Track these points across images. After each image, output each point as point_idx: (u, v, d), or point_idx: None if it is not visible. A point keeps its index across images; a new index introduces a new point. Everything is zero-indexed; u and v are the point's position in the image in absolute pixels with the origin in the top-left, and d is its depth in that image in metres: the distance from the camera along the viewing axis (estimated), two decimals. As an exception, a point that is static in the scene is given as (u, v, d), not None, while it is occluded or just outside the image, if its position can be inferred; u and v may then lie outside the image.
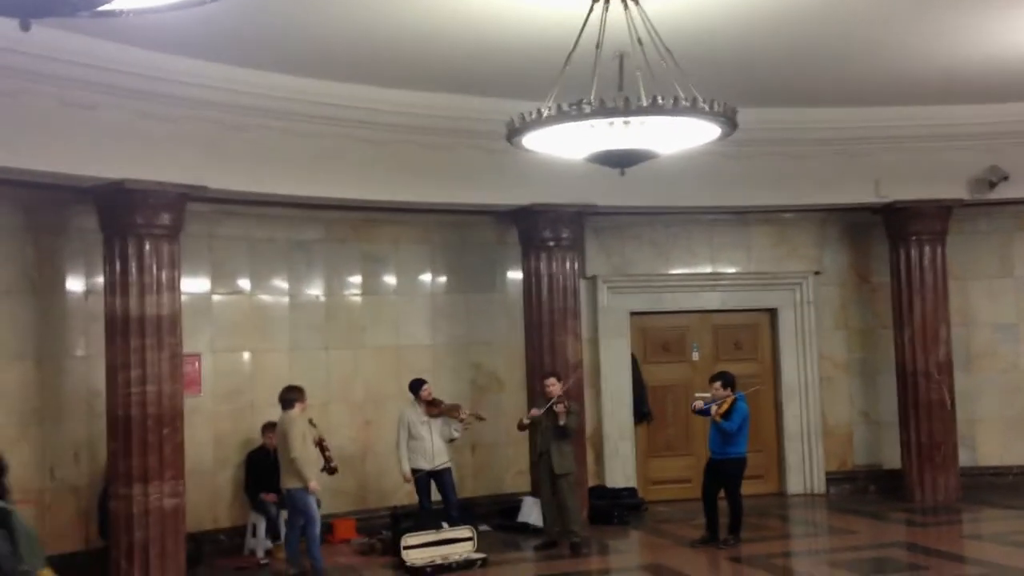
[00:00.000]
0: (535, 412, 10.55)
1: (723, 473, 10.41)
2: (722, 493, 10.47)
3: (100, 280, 9.58)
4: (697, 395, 12.73)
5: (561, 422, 10.30)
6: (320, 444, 10.01)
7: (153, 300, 9.13)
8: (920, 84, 10.60)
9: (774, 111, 11.01)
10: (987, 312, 13.40)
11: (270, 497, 10.37)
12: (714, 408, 10.23)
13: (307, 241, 11.70)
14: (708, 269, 13.19)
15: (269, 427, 10.52)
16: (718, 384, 10.44)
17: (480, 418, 11.21)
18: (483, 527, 11.27)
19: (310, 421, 9.99)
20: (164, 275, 9.22)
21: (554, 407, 10.31)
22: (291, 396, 9.77)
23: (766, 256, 13.25)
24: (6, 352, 9.50)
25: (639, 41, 6.69)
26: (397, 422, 10.93)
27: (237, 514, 10.95)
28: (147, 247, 9.14)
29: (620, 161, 7.11)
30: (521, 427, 10.84)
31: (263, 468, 10.49)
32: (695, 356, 13.30)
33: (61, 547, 9.66)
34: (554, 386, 10.50)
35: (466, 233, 12.46)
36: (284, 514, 10.24)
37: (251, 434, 11.04)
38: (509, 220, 11.98)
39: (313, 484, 9.61)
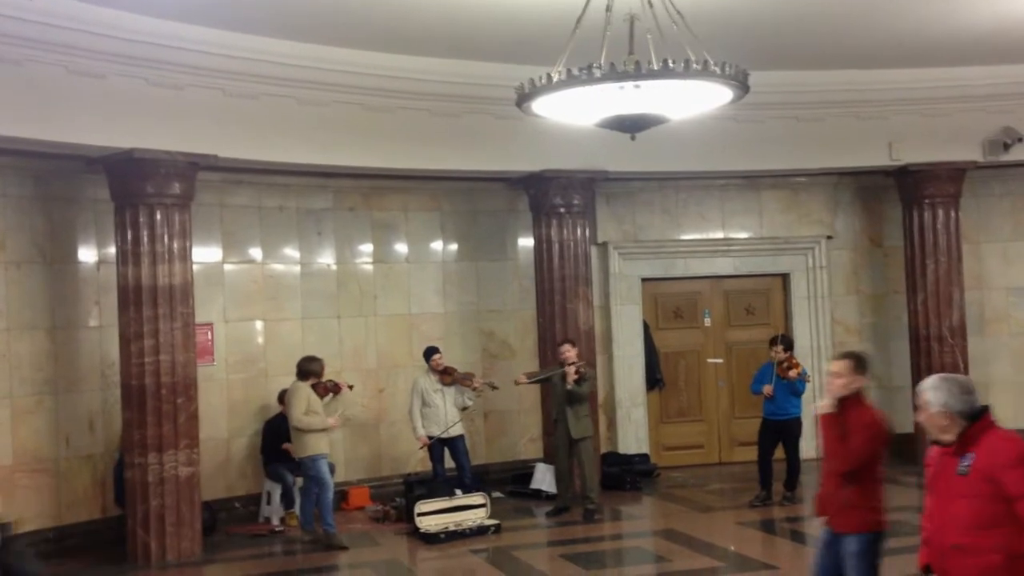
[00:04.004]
0: (522, 379, 10.73)
1: (786, 433, 10.81)
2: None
3: (112, 250, 9.61)
4: (710, 360, 12.81)
5: (568, 386, 10.33)
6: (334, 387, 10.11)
7: (165, 270, 9.16)
8: (933, 45, 10.50)
9: (786, 74, 10.92)
10: (1001, 275, 13.34)
11: (293, 449, 10.36)
12: (793, 372, 10.57)
13: (317, 209, 11.69)
14: (720, 234, 13.15)
15: (286, 393, 10.60)
16: (779, 347, 10.75)
17: (493, 387, 11.25)
18: (496, 494, 11.32)
19: (324, 385, 9.98)
20: (176, 244, 9.24)
21: (565, 370, 10.35)
22: (306, 368, 9.82)
23: (778, 221, 13.20)
24: (19, 323, 9.54)
25: (650, 4, 6.63)
26: (411, 389, 10.98)
27: (252, 482, 11.02)
28: (158, 216, 9.15)
29: (631, 126, 7.06)
30: (517, 383, 10.89)
31: (279, 434, 10.56)
32: (707, 322, 13.29)
33: (77, 516, 9.80)
34: (569, 351, 10.52)
35: (476, 200, 12.44)
36: (299, 482, 10.31)
37: (265, 402, 11.10)
38: (519, 187, 11.95)
39: (331, 420, 9.74)
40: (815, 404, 11.77)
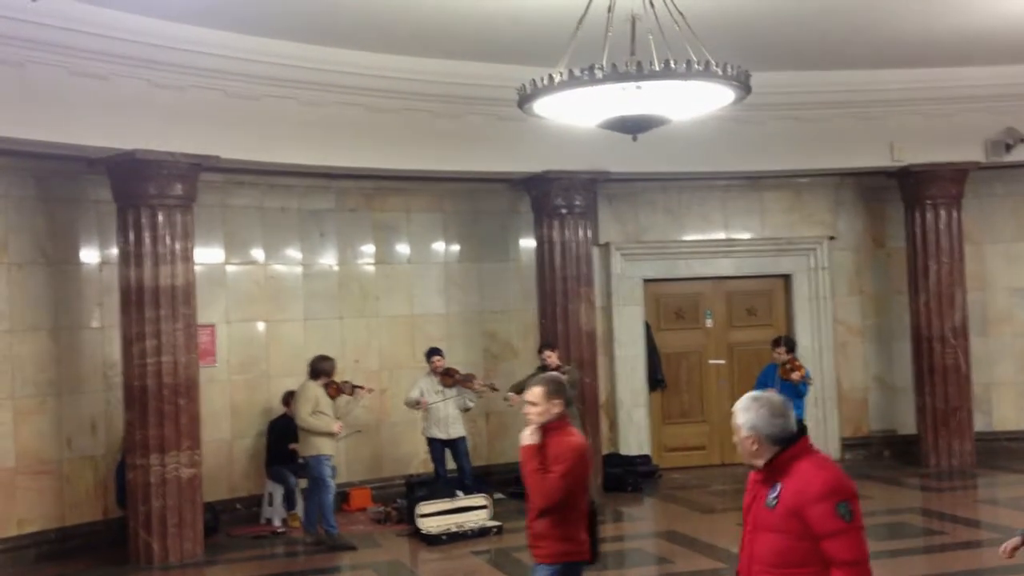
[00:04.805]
0: (514, 399, 10.21)
1: None
2: None
3: (114, 251, 9.62)
4: (712, 361, 12.81)
5: None
6: (350, 389, 10.09)
7: (167, 271, 9.16)
8: (935, 46, 10.49)
9: (788, 74, 10.90)
10: (1003, 276, 13.33)
11: (297, 447, 10.40)
12: (796, 375, 10.52)
13: (319, 210, 11.69)
14: (721, 235, 13.14)
15: (292, 395, 10.61)
16: (782, 349, 10.72)
17: (494, 388, 11.24)
18: (498, 495, 11.30)
19: (336, 385, 9.93)
20: (178, 246, 9.24)
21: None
22: (317, 367, 9.82)
23: (780, 222, 13.19)
24: (21, 324, 9.54)
25: (651, 4, 6.62)
26: (413, 383, 10.97)
27: (254, 483, 11.02)
28: (160, 218, 9.16)
29: (632, 127, 7.05)
30: (517, 390, 10.78)
31: (284, 436, 10.59)
32: (709, 323, 13.28)
33: (80, 517, 9.80)
34: (551, 357, 10.53)
35: (478, 201, 12.44)
36: (301, 483, 10.32)
37: (267, 404, 11.10)
38: (521, 188, 11.95)
39: (336, 426, 9.71)
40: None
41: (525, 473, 5.22)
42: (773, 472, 3.83)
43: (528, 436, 5.18)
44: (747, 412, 3.89)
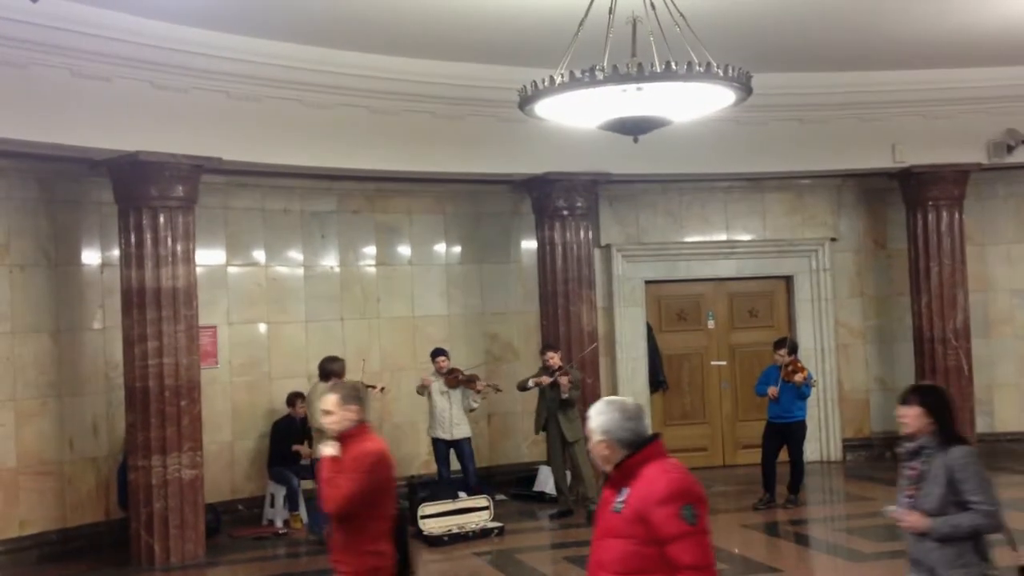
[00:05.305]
0: (544, 380, 10.56)
1: (791, 435, 10.81)
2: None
3: (116, 253, 9.63)
4: (713, 362, 12.81)
5: (564, 395, 10.38)
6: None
7: (169, 272, 9.17)
8: (937, 47, 10.49)
9: (789, 76, 10.90)
10: (1005, 277, 13.32)
11: (304, 451, 10.47)
12: (799, 377, 10.55)
13: (321, 212, 11.70)
14: (723, 237, 13.14)
15: (296, 396, 10.62)
16: (784, 351, 10.74)
17: (497, 389, 11.26)
18: (500, 496, 11.32)
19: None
20: (179, 247, 9.25)
21: (559, 380, 10.37)
22: (327, 368, 9.83)
23: (781, 223, 13.19)
24: (23, 326, 9.55)
25: (652, 6, 6.63)
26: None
27: (255, 484, 11.03)
28: (162, 219, 9.17)
29: (633, 128, 7.06)
30: (521, 387, 10.87)
31: (286, 437, 10.59)
32: (710, 324, 13.29)
33: (81, 519, 9.82)
34: (553, 359, 10.56)
35: (480, 203, 12.45)
36: (304, 484, 10.34)
37: (269, 405, 11.11)
38: (523, 189, 11.96)
39: None
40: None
41: (319, 483, 5.09)
42: (622, 476, 3.75)
43: (328, 449, 5.03)
44: (600, 416, 3.81)
